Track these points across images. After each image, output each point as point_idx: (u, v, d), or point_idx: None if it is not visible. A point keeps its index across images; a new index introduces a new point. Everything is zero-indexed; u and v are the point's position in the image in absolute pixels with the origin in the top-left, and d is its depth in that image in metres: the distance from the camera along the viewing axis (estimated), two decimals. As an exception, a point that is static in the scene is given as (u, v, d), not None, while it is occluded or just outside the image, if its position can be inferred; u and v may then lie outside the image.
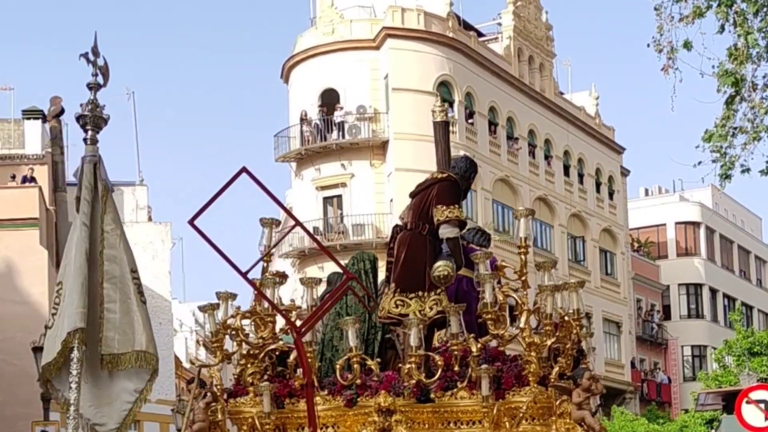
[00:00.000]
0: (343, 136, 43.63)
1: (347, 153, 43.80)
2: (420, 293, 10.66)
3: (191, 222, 8.92)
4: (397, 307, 10.63)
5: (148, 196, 44.35)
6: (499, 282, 10.59)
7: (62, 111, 31.46)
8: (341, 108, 43.75)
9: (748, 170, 11.71)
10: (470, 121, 45.66)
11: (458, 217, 10.90)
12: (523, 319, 10.23)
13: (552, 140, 51.48)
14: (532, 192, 49.44)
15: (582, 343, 10.71)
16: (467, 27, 47.20)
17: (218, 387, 10.58)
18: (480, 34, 49.04)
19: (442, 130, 11.73)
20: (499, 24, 50.36)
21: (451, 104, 44.40)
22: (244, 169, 9.31)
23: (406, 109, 43.17)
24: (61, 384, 8.16)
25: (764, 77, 11.33)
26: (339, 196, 44.35)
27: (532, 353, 10.08)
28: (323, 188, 44.46)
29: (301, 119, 44.35)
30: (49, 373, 8.18)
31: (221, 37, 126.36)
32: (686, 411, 46.97)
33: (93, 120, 8.27)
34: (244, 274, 9.28)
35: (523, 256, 10.55)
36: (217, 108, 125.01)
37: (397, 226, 11.37)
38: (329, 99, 44.32)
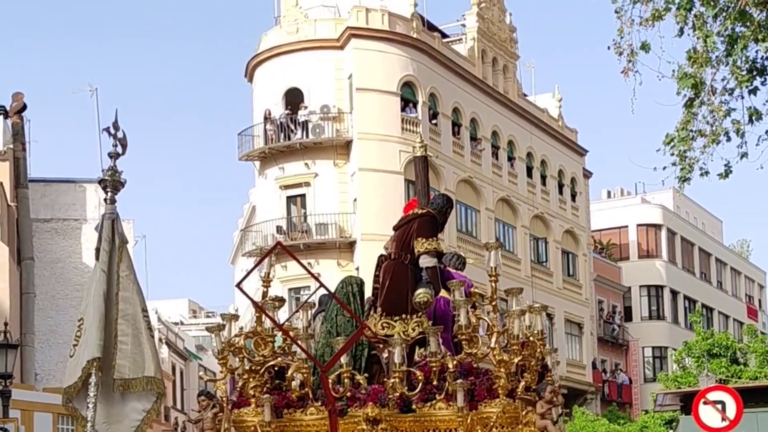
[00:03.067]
0: (307, 136, 43.67)
1: (311, 152, 43.83)
2: (403, 316, 12.18)
3: (238, 285, 10.63)
4: (383, 329, 12.14)
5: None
6: (473, 306, 12.09)
7: (24, 107, 31.34)
8: (305, 107, 43.81)
9: (706, 173, 11.82)
10: (434, 122, 45.80)
11: (436, 248, 12.47)
12: (493, 339, 11.74)
13: (515, 142, 51.72)
14: (495, 193, 49.65)
15: (546, 360, 12.19)
16: (431, 28, 47.33)
17: (224, 398, 11.98)
18: (444, 35, 49.19)
19: (422, 164, 13.14)
20: (463, 25, 50.55)
21: (414, 105, 44.56)
22: (279, 243, 12.02)
23: (370, 109, 43.29)
24: (80, 404, 9.70)
25: (723, 80, 11.42)
26: (303, 196, 44.36)
27: (502, 369, 11.52)
28: (287, 187, 44.46)
29: (265, 118, 44.35)
30: (70, 395, 9.71)
31: (186, 35, 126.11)
32: (647, 412, 47.24)
33: (112, 184, 9.67)
34: (283, 330, 11.62)
35: (493, 284, 12.08)
36: (181, 106, 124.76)
37: (381, 255, 12.74)
38: (293, 98, 44.36)
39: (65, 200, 33.89)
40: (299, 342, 12.05)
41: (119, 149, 9.78)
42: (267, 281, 12.29)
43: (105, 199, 9.75)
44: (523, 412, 11.60)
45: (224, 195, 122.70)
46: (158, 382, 9.78)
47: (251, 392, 11.86)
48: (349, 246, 43.17)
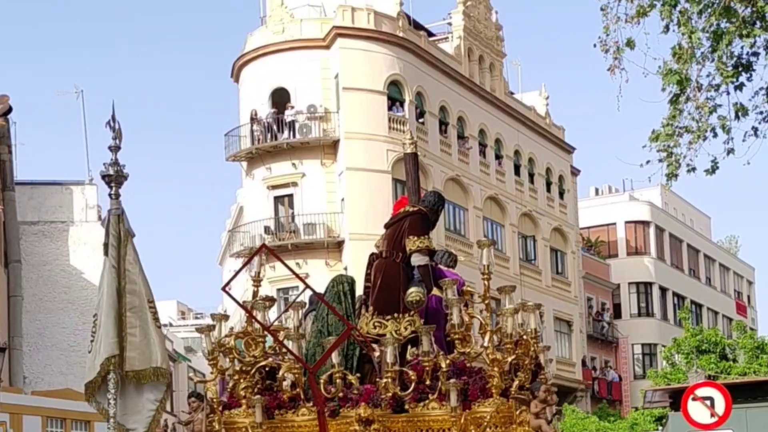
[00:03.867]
0: (294, 136, 43.67)
1: (298, 152, 43.84)
2: (395, 315, 12.13)
3: (223, 288, 11.53)
4: (375, 328, 12.08)
5: (98, 195, 44.21)
6: (466, 305, 12.06)
7: (10, 109, 31.22)
8: (292, 107, 43.79)
9: (693, 169, 11.86)
10: (421, 120, 45.83)
11: (428, 246, 12.40)
12: (486, 338, 11.72)
13: (502, 140, 51.78)
14: (483, 191, 49.70)
15: (540, 358, 12.19)
16: (417, 27, 47.38)
17: (215, 400, 11.93)
18: (430, 34, 49.25)
19: (412, 161, 13.07)
20: (449, 24, 50.59)
21: (401, 103, 44.56)
22: (264, 246, 12.02)
23: (356, 108, 43.32)
24: (102, 398, 9.98)
25: (708, 77, 11.45)
26: (290, 196, 44.36)
27: (495, 368, 11.51)
28: (274, 187, 44.47)
29: (252, 118, 44.30)
30: (92, 391, 10.02)
31: (171, 35, 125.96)
32: (636, 408, 47.29)
33: (116, 178, 9.74)
34: (270, 331, 11.77)
35: (485, 282, 12.00)
36: (168, 107, 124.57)
37: (373, 254, 12.65)
38: (280, 98, 44.36)
39: (52, 203, 33.78)
40: (287, 343, 11.98)
41: (118, 141, 9.88)
42: (257, 281, 12.25)
43: (109, 194, 9.85)
44: (517, 412, 11.58)
45: (212, 196, 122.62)
46: (164, 371, 10.03)
47: (242, 393, 11.83)
48: (338, 246, 43.18)
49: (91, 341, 10.01)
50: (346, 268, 41.56)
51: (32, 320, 31.62)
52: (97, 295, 10.15)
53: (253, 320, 11.86)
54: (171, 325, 60.43)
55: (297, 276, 11.49)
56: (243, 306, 11.38)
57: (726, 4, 10.95)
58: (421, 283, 12.26)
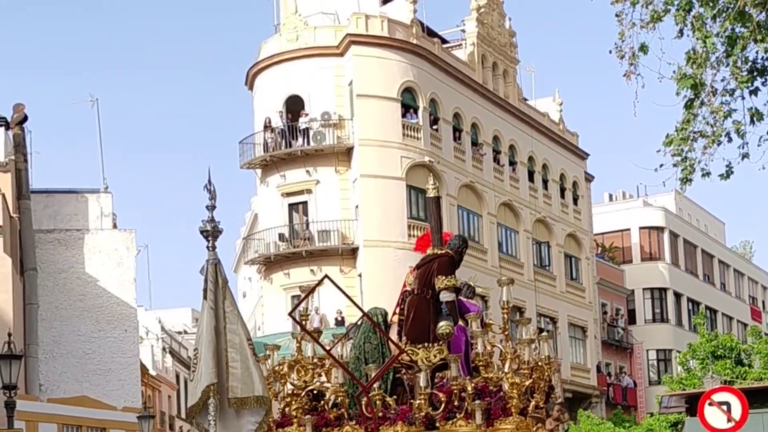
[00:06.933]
0: (308, 143, 43.87)
1: (312, 159, 44.03)
2: (426, 344, 13.81)
3: (290, 314, 13.26)
4: (408, 356, 13.78)
5: (113, 203, 44.39)
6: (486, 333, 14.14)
7: (25, 118, 31.38)
8: (306, 114, 44.02)
9: (708, 174, 11.81)
10: (435, 127, 46.02)
11: (454, 285, 14.16)
12: (507, 364, 13.54)
13: (516, 146, 51.90)
14: (497, 198, 49.82)
15: (552, 381, 13.90)
16: (431, 34, 47.56)
17: (271, 418, 13.42)
18: (444, 41, 49.44)
19: (435, 204, 14.84)
20: (463, 31, 50.82)
21: (415, 110, 44.73)
22: (326, 277, 13.12)
23: (370, 115, 43.52)
24: (202, 419, 11.63)
25: (723, 81, 11.41)
26: (304, 203, 44.57)
27: (514, 391, 13.15)
28: (288, 195, 44.66)
29: (266, 126, 44.36)
30: (194, 413, 11.65)
31: (186, 43, 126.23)
32: (652, 414, 47.21)
33: (213, 233, 11.50)
34: (339, 362, 13.75)
35: (505, 316, 13.95)
36: (182, 115, 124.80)
37: (405, 291, 14.49)
38: (294, 105, 44.60)
39: (67, 211, 33.93)
40: (336, 369, 13.88)
41: (214, 201, 11.56)
42: (305, 316, 14.13)
43: (207, 247, 11.53)
44: (534, 428, 13.27)
45: (226, 203, 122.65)
46: (266, 399, 11.78)
47: (293, 413, 13.60)
48: (352, 252, 43.31)
49: (193, 371, 11.73)
50: (360, 275, 41.68)
51: (48, 328, 31.76)
52: (197, 332, 11.93)
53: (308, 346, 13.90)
54: (186, 332, 60.47)
55: (358, 307, 13.24)
56: (311, 334, 13.32)
57: (740, 8, 10.96)
58: (449, 317, 13.97)
